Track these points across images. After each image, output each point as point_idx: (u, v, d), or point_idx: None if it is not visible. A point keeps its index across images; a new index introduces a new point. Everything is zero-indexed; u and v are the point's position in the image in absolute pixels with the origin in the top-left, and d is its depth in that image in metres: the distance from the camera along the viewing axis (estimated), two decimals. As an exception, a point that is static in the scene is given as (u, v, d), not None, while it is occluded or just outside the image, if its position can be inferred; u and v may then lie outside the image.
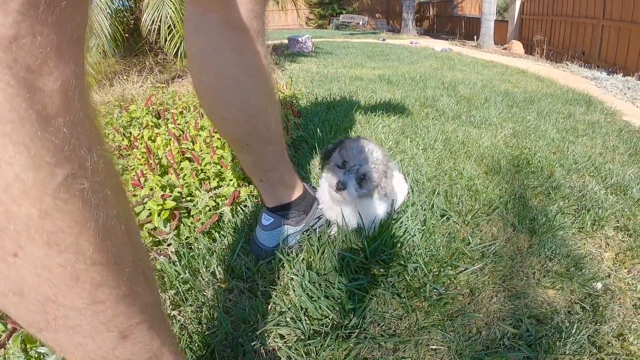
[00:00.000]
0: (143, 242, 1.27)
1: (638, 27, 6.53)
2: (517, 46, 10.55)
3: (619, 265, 1.35)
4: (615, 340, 1.02)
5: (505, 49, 10.90)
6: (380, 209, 1.27)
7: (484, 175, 1.93)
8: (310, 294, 1.05)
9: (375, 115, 2.84)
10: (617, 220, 1.60)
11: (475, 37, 12.65)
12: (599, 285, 1.22)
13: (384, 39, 12.63)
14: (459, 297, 1.11)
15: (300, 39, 7.98)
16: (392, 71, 5.31)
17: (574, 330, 1.01)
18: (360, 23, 19.78)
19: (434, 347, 0.95)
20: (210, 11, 0.93)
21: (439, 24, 20.28)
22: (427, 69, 5.69)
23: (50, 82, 0.34)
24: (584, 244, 1.45)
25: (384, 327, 1.00)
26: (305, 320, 0.99)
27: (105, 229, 0.41)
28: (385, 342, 0.94)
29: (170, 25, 3.77)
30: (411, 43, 11.12)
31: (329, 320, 1.00)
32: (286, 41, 8.27)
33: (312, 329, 0.98)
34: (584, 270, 1.27)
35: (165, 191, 1.38)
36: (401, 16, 18.20)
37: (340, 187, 1.13)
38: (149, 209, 1.26)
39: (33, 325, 0.42)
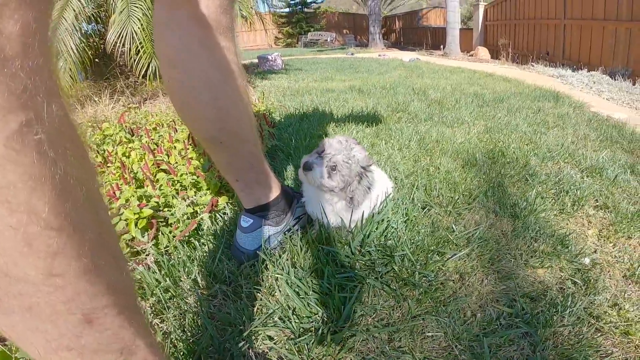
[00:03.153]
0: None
1: (599, 23, 6.82)
2: (483, 52, 10.91)
3: (604, 240, 1.37)
4: (611, 310, 1.02)
5: (472, 55, 11.26)
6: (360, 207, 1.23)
7: (461, 168, 1.95)
8: (297, 290, 1.01)
9: (348, 122, 2.86)
10: (596, 200, 1.63)
11: (441, 46, 13.03)
12: (587, 260, 1.23)
13: (352, 54, 12.88)
14: (449, 282, 1.09)
15: (269, 57, 8.05)
16: (362, 82, 5.39)
17: (569, 303, 1.01)
18: (329, 40, 20.15)
19: (429, 333, 0.92)
20: (178, 7, 0.92)
21: (405, 36, 20.88)
22: (397, 78, 5.79)
23: (9, 24, 0.32)
24: (567, 223, 1.47)
25: (376, 319, 0.97)
26: (294, 319, 0.95)
27: (63, 188, 0.36)
28: (379, 333, 0.91)
29: (137, 45, 3.72)
30: (379, 56, 11.35)
31: (319, 317, 0.96)
32: (256, 60, 8.32)
33: (302, 327, 0.94)
34: (570, 248, 1.28)
35: (141, 202, 1.33)
36: (368, 30, 18.65)
37: (307, 167, 1.11)
38: (126, 219, 1.20)
39: None
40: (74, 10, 3.73)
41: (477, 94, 4.18)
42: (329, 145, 1.14)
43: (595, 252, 1.30)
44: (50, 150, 0.35)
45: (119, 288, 0.45)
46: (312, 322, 0.95)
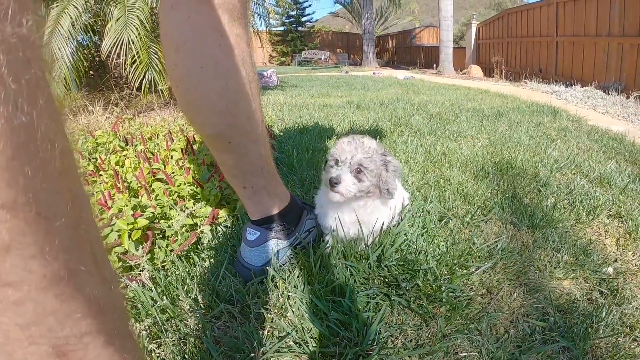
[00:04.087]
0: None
1: (591, 39, 6.94)
2: (476, 70, 11.05)
3: (623, 249, 1.33)
4: (644, 318, 0.97)
5: (465, 73, 11.39)
6: (382, 214, 1.13)
7: (472, 180, 1.88)
8: (314, 310, 0.91)
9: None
10: (609, 209, 1.60)
11: (435, 65, 13.19)
12: (610, 269, 1.18)
13: (346, 72, 12.97)
14: (477, 297, 1.00)
15: (265, 73, 8.04)
16: (360, 98, 5.35)
17: (604, 314, 0.95)
18: (322, 58, 20.34)
19: (463, 354, 0.83)
20: None
21: (399, 55, 21.17)
22: (394, 95, 5.78)
23: None
24: (584, 233, 1.42)
25: (404, 340, 0.87)
26: (312, 342, 0.85)
27: (24, 143, 0.23)
28: (409, 356, 0.81)
29: (133, 54, 3.63)
30: (374, 74, 11.44)
31: (339, 340, 0.86)
32: (251, 76, 8.29)
33: (322, 352, 0.83)
34: (592, 257, 1.23)
35: (136, 211, 1.22)
36: (362, 49, 18.90)
37: (334, 182, 0.99)
38: (118, 230, 1.09)
39: None
40: (71, 18, 3.64)
41: (475, 109, 4.16)
42: (341, 150, 1.04)
43: (616, 260, 1.26)
44: (11, 79, 0.22)
45: (105, 307, 0.31)
46: (334, 344, 0.84)
